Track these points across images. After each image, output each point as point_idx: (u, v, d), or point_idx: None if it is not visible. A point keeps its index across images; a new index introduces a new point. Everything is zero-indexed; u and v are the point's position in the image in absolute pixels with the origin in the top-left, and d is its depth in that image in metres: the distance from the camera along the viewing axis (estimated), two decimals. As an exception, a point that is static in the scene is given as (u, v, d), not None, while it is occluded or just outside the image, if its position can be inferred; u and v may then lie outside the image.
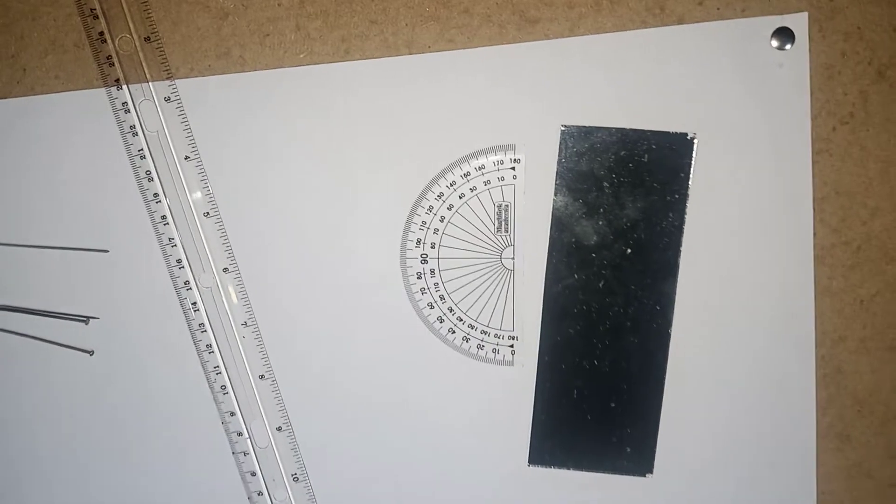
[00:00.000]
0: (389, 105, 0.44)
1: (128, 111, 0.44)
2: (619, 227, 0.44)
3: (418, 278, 0.45)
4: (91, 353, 0.46)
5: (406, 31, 0.43)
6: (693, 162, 0.43)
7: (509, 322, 0.45)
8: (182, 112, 0.44)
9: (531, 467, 0.46)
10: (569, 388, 0.45)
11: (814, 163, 0.42)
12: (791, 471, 0.44)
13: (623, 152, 0.43)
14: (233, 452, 0.46)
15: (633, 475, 0.45)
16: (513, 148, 0.43)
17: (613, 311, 0.44)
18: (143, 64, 0.44)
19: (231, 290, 0.45)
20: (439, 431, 0.46)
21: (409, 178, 0.44)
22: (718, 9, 0.42)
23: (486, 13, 0.43)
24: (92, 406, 0.47)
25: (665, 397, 0.44)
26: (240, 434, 0.46)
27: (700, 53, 0.42)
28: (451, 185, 0.44)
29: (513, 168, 0.44)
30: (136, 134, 0.44)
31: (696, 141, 0.43)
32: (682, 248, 0.43)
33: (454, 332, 0.45)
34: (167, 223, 0.45)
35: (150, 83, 0.44)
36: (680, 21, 0.42)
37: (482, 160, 0.44)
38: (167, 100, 0.44)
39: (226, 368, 0.46)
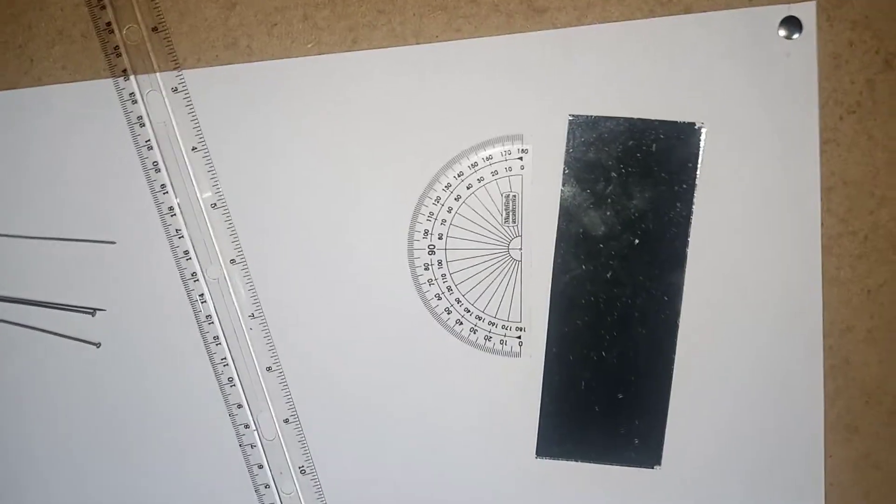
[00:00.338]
0: (397, 95, 0.43)
1: (135, 102, 0.44)
2: (627, 218, 0.44)
3: (426, 269, 0.45)
4: (98, 345, 0.46)
5: (414, 20, 0.43)
6: (701, 152, 0.43)
7: (517, 313, 0.45)
8: (189, 103, 0.44)
9: (539, 459, 0.45)
10: (576, 379, 0.45)
11: (821, 152, 0.42)
12: (799, 462, 0.44)
13: (631, 142, 0.43)
14: (240, 445, 0.46)
15: (641, 467, 0.45)
16: (520, 138, 0.43)
17: (621, 302, 0.44)
18: (151, 54, 0.44)
19: (238, 281, 0.45)
20: (447, 423, 0.46)
21: (417, 169, 0.44)
22: (726, -2, 0.42)
23: (493, 3, 0.43)
24: (98, 398, 0.47)
25: (673, 388, 0.44)
26: (247, 426, 0.46)
27: (707, 43, 0.42)
28: (459, 176, 0.44)
29: (520, 158, 0.44)
30: (143, 125, 0.44)
31: (703, 130, 0.43)
32: (690, 239, 0.43)
33: (461, 323, 0.45)
34: (174, 214, 0.45)
35: (157, 74, 0.44)
36: (687, 10, 0.42)
37: (490, 150, 0.44)
38: (174, 90, 0.44)
39: (233, 360, 0.46)
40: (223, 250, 0.45)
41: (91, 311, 0.46)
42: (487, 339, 0.45)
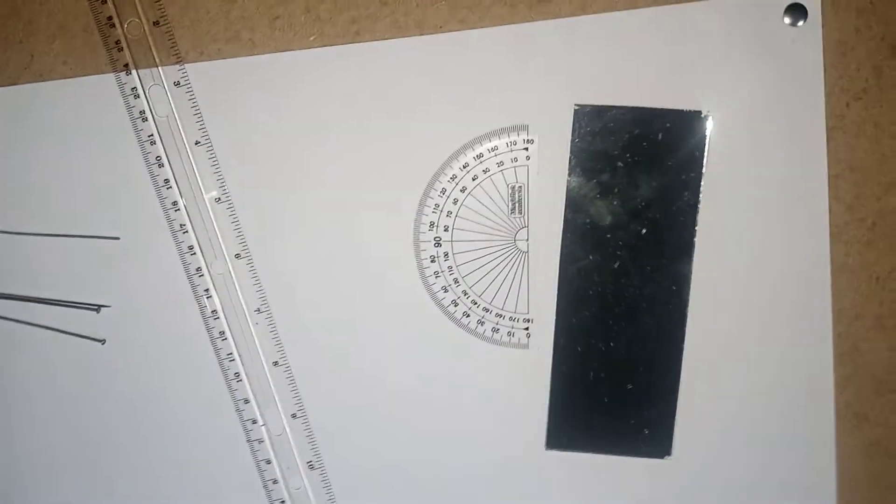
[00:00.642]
0: (400, 86, 0.43)
1: (137, 96, 0.44)
2: (634, 207, 0.43)
3: (432, 262, 0.44)
4: (103, 341, 0.46)
5: (417, 11, 0.43)
6: (707, 140, 0.43)
7: (524, 305, 0.44)
8: (192, 97, 0.44)
9: (549, 451, 0.45)
10: (585, 370, 0.45)
11: (828, 139, 0.42)
12: (810, 450, 0.44)
13: (637, 131, 0.43)
14: (247, 440, 0.46)
15: (652, 457, 0.45)
16: (525, 128, 0.43)
17: (629, 293, 0.44)
18: (153, 48, 0.43)
19: (244, 276, 0.45)
20: (455, 416, 0.45)
21: (422, 161, 0.44)
22: (731, -15, 0.42)
23: (497, -8, 0.43)
24: (103, 395, 0.46)
25: (682, 378, 0.44)
26: (254, 422, 0.46)
27: (713, 30, 0.42)
28: (464, 167, 0.44)
29: (526, 149, 0.43)
30: (145, 119, 0.44)
31: (709, 119, 0.42)
32: (698, 228, 0.43)
33: (468, 315, 0.45)
34: (178, 209, 0.44)
35: (159, 68, 0.44)
36: (692, -2, 0.42)
37: (495, 141, 0.43)
38: (177, 84, 0.44)
39: (239, 355, 0.45)
40: (228, 245, 0.45)
41: (96, 307, 0.45)
42: (495, 330, 0.45)
